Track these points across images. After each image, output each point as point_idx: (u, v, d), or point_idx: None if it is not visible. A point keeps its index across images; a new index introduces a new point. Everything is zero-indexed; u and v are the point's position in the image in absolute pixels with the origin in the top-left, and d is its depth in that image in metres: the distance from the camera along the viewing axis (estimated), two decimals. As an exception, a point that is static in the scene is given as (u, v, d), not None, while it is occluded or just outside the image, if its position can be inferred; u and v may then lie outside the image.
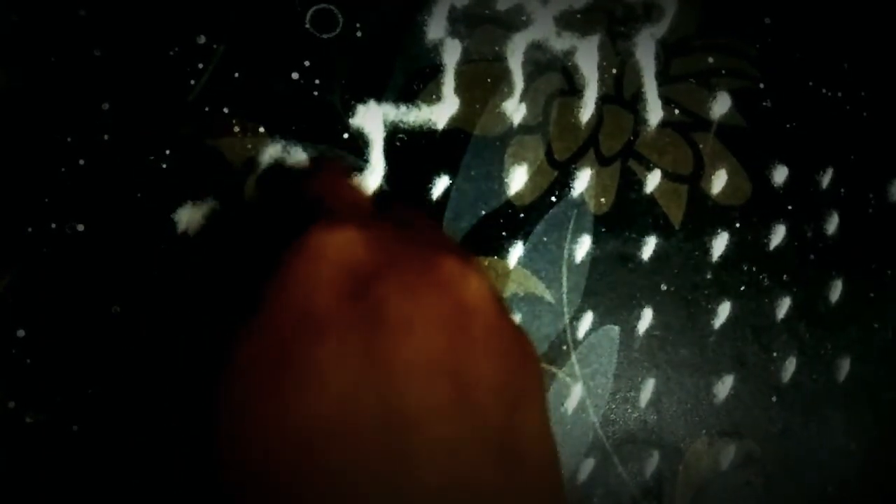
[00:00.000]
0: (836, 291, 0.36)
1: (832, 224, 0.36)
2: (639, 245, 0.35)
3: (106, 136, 0.31)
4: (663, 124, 0.35)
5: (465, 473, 0.18)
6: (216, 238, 0.31)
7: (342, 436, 0.18)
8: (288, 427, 0.18)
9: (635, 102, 0.35)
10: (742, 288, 0.36)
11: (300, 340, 0.19)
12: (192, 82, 0.32)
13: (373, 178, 0.33)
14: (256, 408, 0.19)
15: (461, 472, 0.18)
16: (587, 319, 0.34)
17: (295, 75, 0.33)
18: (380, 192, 0.33)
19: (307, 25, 0.33)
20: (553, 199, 0.34)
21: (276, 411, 0.18)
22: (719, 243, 0.35)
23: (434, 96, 0.34)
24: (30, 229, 0.31)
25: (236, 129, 0.32)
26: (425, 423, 0.18)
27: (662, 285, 0.35)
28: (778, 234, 0.36)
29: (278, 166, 0.32)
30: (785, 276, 0.36)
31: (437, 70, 0.34)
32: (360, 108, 0.33)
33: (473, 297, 0.21)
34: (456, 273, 0.21)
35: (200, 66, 0.32)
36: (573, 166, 0.34)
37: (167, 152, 0.31)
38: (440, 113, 0.34)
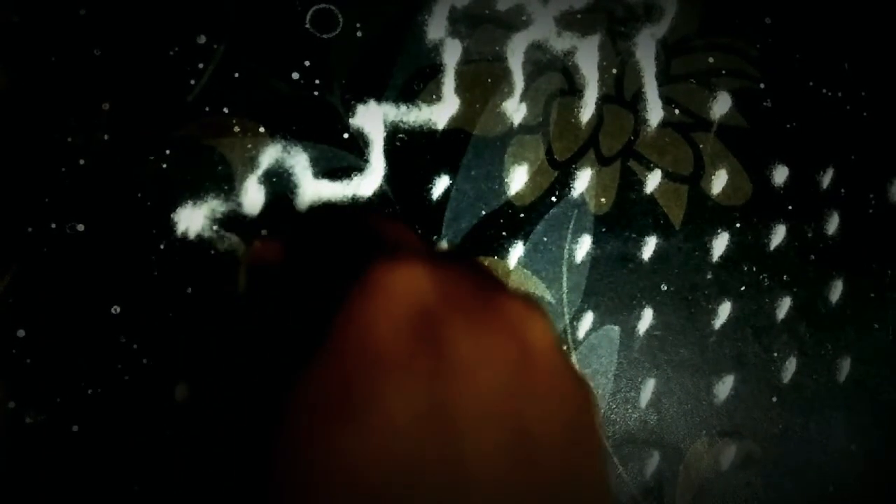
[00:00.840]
0: (836, 292, 0.36)
1: (832, 224, 0.36)
2: (639, 245, 0.35)
3: (106, 136, 0.31)
4: (664, 124, 0.35)
5: None
6: (276, 274, 0.30)
7: (402, 486, 0.17)
8: (348, 475, 0.17)
9: (636, 102, 0.35)
10: (742, 288, 0.35)
11: (363, 379, 0.18)
12: (193, 82, 0.32)
13: (373, 177, 0.33)
14: (316, 453, 0.18)
15: None
16: (587, 319, 0.34)
17: (295, 75, 0.32)
18: (380, 192, 0.33)
19: (307, 25, 0.33)
20: (553, 199, 0.34)
21: (335, 457, 0.17)
22: (720, 243, 0.35)
23: (434, 96, 0.34)
24: (30, 229, 0.31)
25: (236, 128, 0.32)
26: (485, 473, 0.18)
27: (663, 285, 0.35)
28: (778, 235, 0.36)
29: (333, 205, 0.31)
30: (785, 276, 0.36)
31: (437, 70, 0.34)
32: (361, 108, 0.33)
33: (537, 340, 0.21)
34: (520, 315, 0.21)
35: (201, 65, 0.32)
36: (573, 166, 0.34)
37: (167, 152, 0.31)
38: (440, 113, 0.34)
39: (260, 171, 0.32)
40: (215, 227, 0.32)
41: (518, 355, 0.20)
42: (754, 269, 0.36)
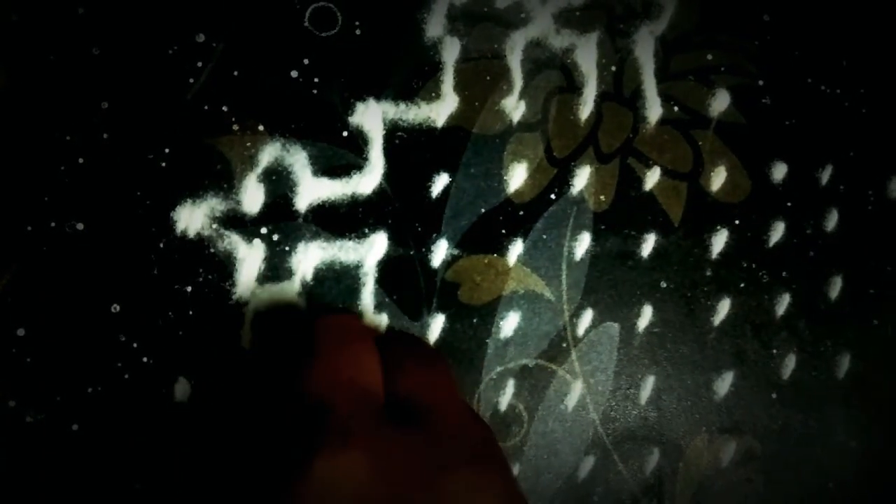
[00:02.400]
0: (835, 288, 0.36)
1: (832, 221, 0.36)
2: (638, 242, 0.35)
3: (105, 135, 0.31)
4: (662, 121, 0.35)
5: None
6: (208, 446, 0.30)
7: None
8: None
9: (634, 100, 0.35)
10: (742, 285, 0.36)
11: None
12: (191, 80, 0.32)
13: (372, 175, 0.33)
14: None
15: None
16: (587, 317, 0.34)
17: (294, 73, 0.33)
18: (380, 190, 0.33)
19: (306, 23, 0.33)
20: (552, 196, 0.34)
21: None
22: (719, 240, 0.35)
23: (433, 94, 0.34)
24: (29, 228, 0.31)
25: (235, 127, 0.32)
26: None
27: (662, 282, 0.35)
28: (777, 231, 0.36)
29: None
30: (784, 273, 0.36)
31: (436, 68, 0.34)
32: (360, 106, 0.33)
33: None
34: (470, 491, 0.20)
35: (199, 64, 0.32)
36: (572, 164, 0.34)
37: (166, 151, 0.31)
38: (439, 111, 0.34)
39: (259, 170, 0.32)
40: (215, 226, 0.32)
41: None
42: (753, 265, 0.36)
